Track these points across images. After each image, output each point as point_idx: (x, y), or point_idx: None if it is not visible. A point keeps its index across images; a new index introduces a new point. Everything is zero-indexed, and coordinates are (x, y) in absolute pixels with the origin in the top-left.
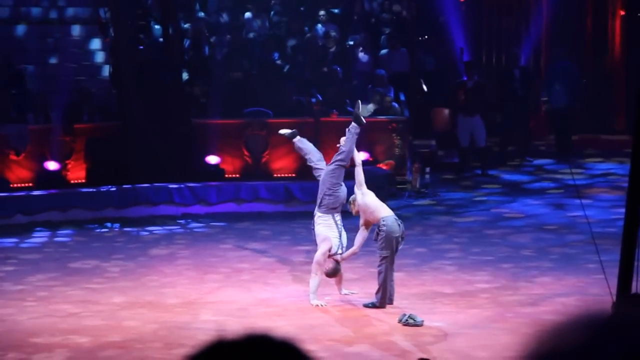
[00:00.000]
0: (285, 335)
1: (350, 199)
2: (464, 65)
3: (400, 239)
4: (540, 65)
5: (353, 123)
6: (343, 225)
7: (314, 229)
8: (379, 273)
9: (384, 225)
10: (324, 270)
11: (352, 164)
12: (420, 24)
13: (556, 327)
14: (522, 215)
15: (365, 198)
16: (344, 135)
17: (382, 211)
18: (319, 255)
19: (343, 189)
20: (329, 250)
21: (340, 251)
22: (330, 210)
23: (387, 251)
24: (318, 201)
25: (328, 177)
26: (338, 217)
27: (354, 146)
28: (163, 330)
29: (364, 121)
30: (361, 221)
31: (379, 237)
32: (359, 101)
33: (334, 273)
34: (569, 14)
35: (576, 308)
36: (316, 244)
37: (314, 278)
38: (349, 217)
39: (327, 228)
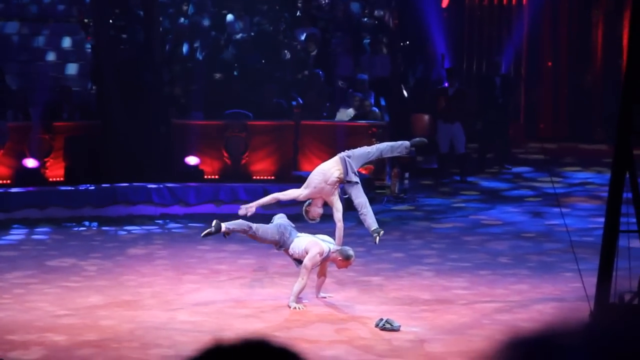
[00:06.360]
0: (284, 342)
1: (303, 208)
2: (445, 72)
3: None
4: (521, 74)
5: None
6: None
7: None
8: None
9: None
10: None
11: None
12: (402, 29)
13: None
14: (500, 223)
15: (306, 190)
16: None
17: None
18: (307, 260)
19: (279, 223)
20: (320, 255)
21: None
22: (290, 236)
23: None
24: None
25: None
26: (300, 233)
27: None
28: (139, 330)
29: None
30: (335, 215)
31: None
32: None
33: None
34: (550, 23)
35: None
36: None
37: (300, 282)
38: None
39: (305, 237)
